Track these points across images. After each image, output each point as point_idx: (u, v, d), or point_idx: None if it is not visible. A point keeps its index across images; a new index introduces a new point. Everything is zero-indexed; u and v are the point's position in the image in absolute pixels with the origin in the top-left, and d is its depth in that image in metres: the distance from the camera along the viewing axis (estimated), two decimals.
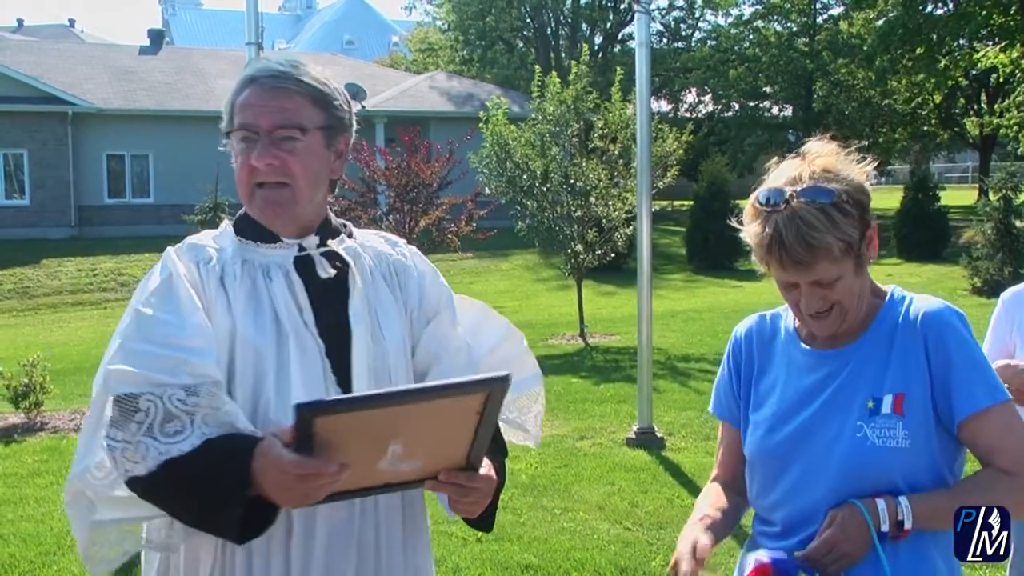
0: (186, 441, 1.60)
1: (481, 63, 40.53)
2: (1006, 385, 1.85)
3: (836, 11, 37.36)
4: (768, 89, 37.70)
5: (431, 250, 13.62)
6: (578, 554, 4.96)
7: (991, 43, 25.76)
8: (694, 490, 5.78)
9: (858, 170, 1.81)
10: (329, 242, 1.86)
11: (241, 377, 1.73)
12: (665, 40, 41.76)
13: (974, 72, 30.92)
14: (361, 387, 1.77)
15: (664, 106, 39.91)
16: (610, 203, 13.25)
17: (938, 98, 33.30)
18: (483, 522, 1.85)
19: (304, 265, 1.82)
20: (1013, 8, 25.40)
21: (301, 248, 1.83)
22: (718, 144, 36.00)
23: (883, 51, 28.51)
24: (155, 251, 1.91)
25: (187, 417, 1.62)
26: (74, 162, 27.03)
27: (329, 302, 1.81)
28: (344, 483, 1.55)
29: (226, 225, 1.89)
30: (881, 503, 1.72)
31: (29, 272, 22.53)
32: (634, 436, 7.29)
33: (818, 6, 36.94)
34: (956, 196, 29.04)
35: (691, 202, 24.38)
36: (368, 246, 1.92)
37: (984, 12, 25.49)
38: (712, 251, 22.26)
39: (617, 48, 40.48)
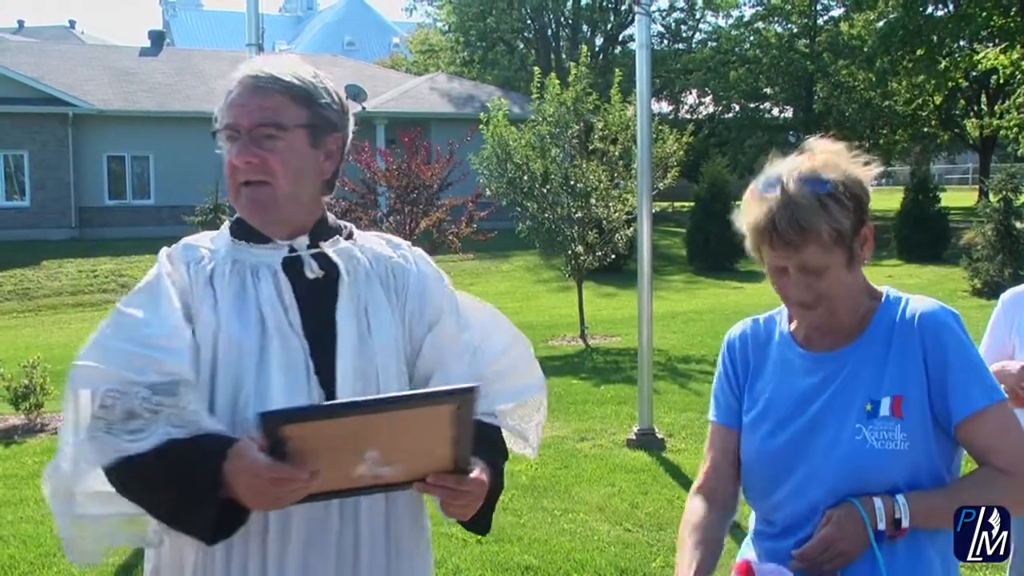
0: (147, 440, 1.60)
1: (482, 64, 40.53)
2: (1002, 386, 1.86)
3: (837, 12, 37.42)
4: (769, 90, 37.76)
5: (432, 251, 13.41)
6: (578, 555, 4.96)
7: (991, 45, 25.80)
8: None
9: (861, 169, 1.82)
10: (321, 244, 1.86)
11: (223, 374, 1.73)
12: (666, 42, 41.81)
13: (974, 73, 30.97)
14: (345, 388, 1.76)
15: (665, 107, 39.98)
16: (610, 204, 13.25)
17: (938, 99, 33.36)
18: (478, 524, 1.83)
19: (294, 266, 1.82)
20: (1013, 9, 25.42)
21: (292, 249, 1.83)
22: (719, 145, 35.96)
23: (883, 52, 28.51)
24: (155, 252, 1.91)
25: (150, 415, 1.61)
26: (74, 163, 27.01)
27: (317, 303, 1.80)
28: (322, 485, 1.56)
29: (225, 226, 1.90)
30: (878, 501, 1.73)
31: (29, 273, 22.52)
32: (634, 437, 7.30)
33: (819, 7, 37.02)
34: (956, 197, 29.03)
35: (692, 203, 24.35)
36: (366, 248, 1.91)
37: (984, 14, 25.51)
38: (713, 252, 22.24)
39: (618, 50, 40.48)
